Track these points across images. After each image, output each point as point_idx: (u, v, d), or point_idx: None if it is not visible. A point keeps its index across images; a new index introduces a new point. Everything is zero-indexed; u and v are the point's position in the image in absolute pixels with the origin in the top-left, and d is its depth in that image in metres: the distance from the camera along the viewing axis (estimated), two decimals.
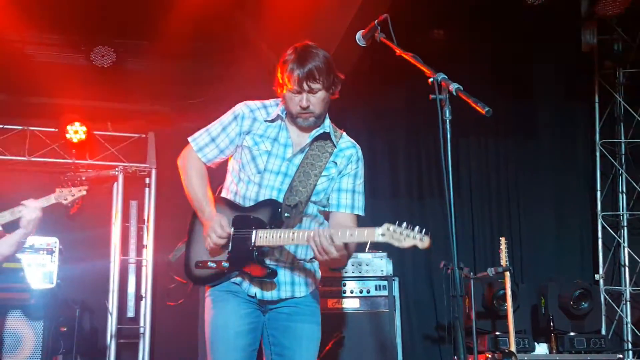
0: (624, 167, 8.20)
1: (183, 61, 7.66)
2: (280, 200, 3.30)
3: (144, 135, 8.30)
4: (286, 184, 3.33)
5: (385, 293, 6.10)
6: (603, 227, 8.09)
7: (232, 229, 3.27)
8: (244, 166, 3.40)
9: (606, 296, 7.92)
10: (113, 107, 8.20)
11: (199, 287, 3.51)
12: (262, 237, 3.20)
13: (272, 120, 3.42)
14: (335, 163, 3.44)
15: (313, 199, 3.36)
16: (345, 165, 3.46)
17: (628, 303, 7.98)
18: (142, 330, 7.97)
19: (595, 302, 7.23)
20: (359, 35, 3.35)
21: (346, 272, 6.12)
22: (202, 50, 7.45)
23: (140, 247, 8.20)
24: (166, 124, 8.23)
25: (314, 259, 3.45)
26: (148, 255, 8.13)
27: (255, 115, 3.44)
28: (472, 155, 8.08)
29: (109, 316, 7.74)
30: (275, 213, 3.25)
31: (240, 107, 3.46)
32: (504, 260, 6.18)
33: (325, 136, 3.42)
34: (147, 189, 8.31)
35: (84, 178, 4.82)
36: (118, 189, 8.14)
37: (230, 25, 6.81)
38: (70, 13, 6.80)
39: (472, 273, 6.13)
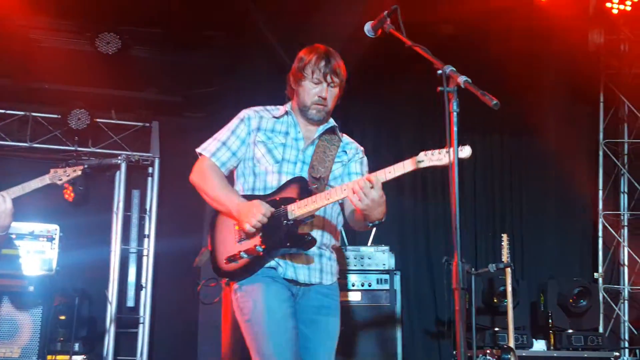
0: (626, 167, 8.25)
1: (189, 50, 7.63)
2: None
3: (148, 125, 8.26)
4: (305, 170, 3.43)
5: (386, 287, 6.10)
6: (604, 226, 8.12)
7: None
8: (259, 160, 3.46)
9: (605, 295, 7.96)
10: (117, 95, 8.15)
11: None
12: (295, 210, 3.25)
13: (279, 117, 3.55)
14: (345, 152, 3.61)
15: (331, 183, 3.46)
16: (354, 154, 3.64)
17: (626, 302, 8.05)
18: (141, 320, 7.96)
19: (594, 300, 7.28)
20: (367, 26, 3.33)
21: (348, 265, 6.13)
22: (210, 40, 7.43)
23: (141, 236, 8.19)
24: (171, 114, 8.21)
25: (333, 247, 3.55)
26: (149, 245, 8.12)
27: (261, 114, 3.56)
28: (476, 151, 8.05)
29: (109, 305, 7.73)
30: (303, 186, 3.32)
31: (245, 111, 3.58)
32: (505, 256, 6.19)
33: (332, 130, 3.59)
34: (149, 179, 8.28)
35: (86, 166, 4.78)
36: (120, 178, 8.12)
37: (239, 16, 6.78)
38: None
39: (473, 269, 6.13)
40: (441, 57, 2.93)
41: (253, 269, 3.32)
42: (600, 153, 8.20)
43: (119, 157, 8.10)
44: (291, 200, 3.28)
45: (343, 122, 6.96)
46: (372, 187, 3.09)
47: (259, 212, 3.22)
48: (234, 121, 3.57)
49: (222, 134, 3.55)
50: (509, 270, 6.14)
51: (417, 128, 7.92)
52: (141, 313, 8.00)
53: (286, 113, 3.55)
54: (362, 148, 3.71)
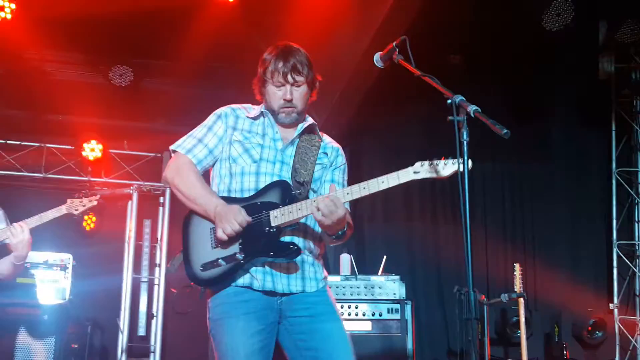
0: None
1: (200, 81, 7.72)
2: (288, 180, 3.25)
3: (159, 155, 8.34)
4: (285, 171, 3.26)
5: (397, 316, 6.04)
6: (618, 256, 8.03)
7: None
8: (235, 160, 3.28)
9: (620, 326, 7.83)
10: (129, 126, 8.26)
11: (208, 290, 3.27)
12: (278, 217, 3.11)
13: (255, 118, 3.37)
14: (326, 154, 3.43)
15: (313, 186, 3.32)
16: (336, 157, 3.47)
17: None
18: (152, 348, 7.96)
19: (610, 331, 7.17)
20: (377, 57, 3.30)
21: (359, 295, 6.09)
22: (218, 71, 7.50)
23: (152, 265, 8.22)
24: None
25: (318, 255, 3.39)
26: (160, 274, 8.14)
27: (237, 113, 3.38)
28: (487, 180, 8.07)
29: (120, 334, 7.74)
30: (286, 191, 3.16)
31: (221, 108, 3.40)
32: (518, 286, 6.13)
33: (311, 129, 3.42)
34: (161, 208, 8.35)
35: (98, 196, 4.82)
36: (132, 208, 8.18)
37: (247, 48, 6.85)
38: (90, 32, 6.88)
39: (485, 298, 6.10)
40: (448, 86, 2.93)
41: (232, 277, 3.16)
42: (614, 182, 8.15)
43: (131, 187, 8.18)
44: (274, 205, 3.13)
45: (352, 150, 7.02)
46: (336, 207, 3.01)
47: (236, 220, 3.05)
48: (211, 118, 3.37)
49: (198, 130, 3.35)
50: (521, 300, 6.08)
51: (427, 158, 7.91)
52: (152, 342, 8.00)
53: (262, 114, 3.37)
54: (342, 150, 3.52)
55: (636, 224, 8.18)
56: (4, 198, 5.03)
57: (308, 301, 3.23)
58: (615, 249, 8.03)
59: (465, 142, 2.77)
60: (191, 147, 3.29)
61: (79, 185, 7.94)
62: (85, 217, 7.73)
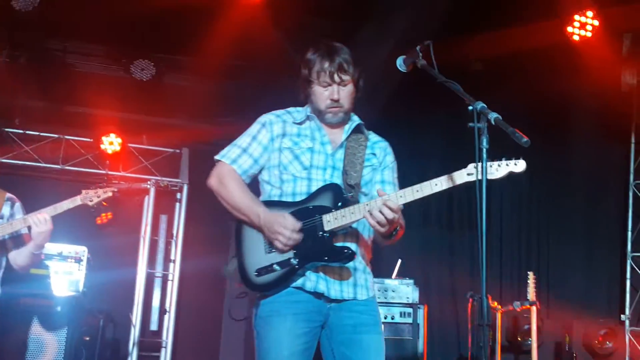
0: None
1: (222, 78, 7.72)
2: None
3: (178, 151, 8.37)
4: (336, 176, 3.25)
5: (409, 320, 6.06)
6: (632, 267, 8.00)
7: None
8: (286, 167, 3.26)
9: (631, 337, 7.80)
10: (149, 121, 8.26)
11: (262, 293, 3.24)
12: (331, 221, 3.09)
13: (301, 123, 3.36)
14: (374, 154, 3.41)
15: (364, 189, 3.30)
16: (384, 157, 3.44)
17: None
18: (164, 344, 7.99)
19: (620, 342, 7.17)
20: (399, 60, 3.27)
21: None
22: (241, 69, 7.52)
23: (167, 261, 8.25)
24: (201, 141, 8.27)
25: (368, 261, 3.38)
26: (175, 269, 8.17)
27: (283, 118, 3.37)
28: (504, 188, 8.05)
29: (132, 328, 7.77)
30: (338, 194, 3.15)
31: (266, 116, 3.40)
32: (531, 294, 6.13)
33: (357, 129, 3.39)
34: (177, 204, 8.38)
35: (115, 189, 4.83)
36: (149, 203, 8.22)
37: (270, 47, 6.86)
38: (113, 26, 6.91)
39: (498, 305, 6.09)
40: (469, 92, 2.92)
41: (286, 281, 3.14)
42: (630, 194, 8.11)
43: (149, 182, 8.21)
44: (326, 209, 3.12)
45: None
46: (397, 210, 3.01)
47: (287, 229, 3.06)
48: (255, 126, 3.36)
49: (243, 140, 3.34)
50: (534, 308, 6.08)
51: (445, 164, 7.89)
52: (164, 337, 8.03)
53: (308, 118, 3.36)
54: (389, 147, 3.50)
55: None
56: (21, 189, 5.01)
57: (355, 309, 3.21)
58: (629, 261, 8.01)
59: (484, 149, 2.79)
60: (236, 157, 3.29)
61: (96, 178, 7.97)
62: (102, 215, 7.76)
